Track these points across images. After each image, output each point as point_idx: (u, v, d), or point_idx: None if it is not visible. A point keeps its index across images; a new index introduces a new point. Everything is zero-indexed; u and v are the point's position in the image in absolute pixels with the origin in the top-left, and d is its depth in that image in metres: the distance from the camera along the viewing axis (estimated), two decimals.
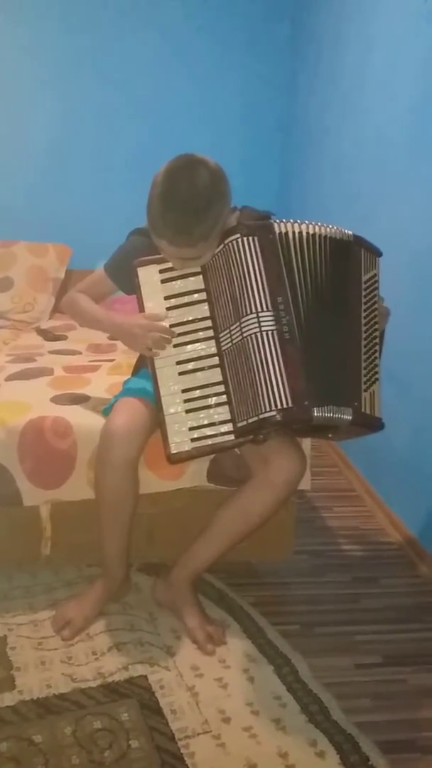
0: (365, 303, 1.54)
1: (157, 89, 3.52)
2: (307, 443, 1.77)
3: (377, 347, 1.58)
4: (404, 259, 2.24)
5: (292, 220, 1.48)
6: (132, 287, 1.57)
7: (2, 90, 3.37)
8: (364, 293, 1.54)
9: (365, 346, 1.53)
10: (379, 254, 1.61)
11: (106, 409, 1.73)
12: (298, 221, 1.48)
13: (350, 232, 1.54)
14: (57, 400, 1.89)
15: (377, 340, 1.58)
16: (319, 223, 1.49)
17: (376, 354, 1.57)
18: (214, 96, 3.59)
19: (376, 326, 1.57)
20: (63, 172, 3.51)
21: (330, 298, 1.49)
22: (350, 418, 1.46)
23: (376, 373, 1.56)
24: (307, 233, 1.47)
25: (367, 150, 2.63)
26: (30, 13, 3.32)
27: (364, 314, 1.53)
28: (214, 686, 1.55)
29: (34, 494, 1.76)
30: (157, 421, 1.55)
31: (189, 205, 1.40)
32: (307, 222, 1.48)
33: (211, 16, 3.48)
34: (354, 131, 2.77)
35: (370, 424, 1.53)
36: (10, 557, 1.87)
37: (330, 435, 1.63)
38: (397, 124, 2.37)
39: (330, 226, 1.50)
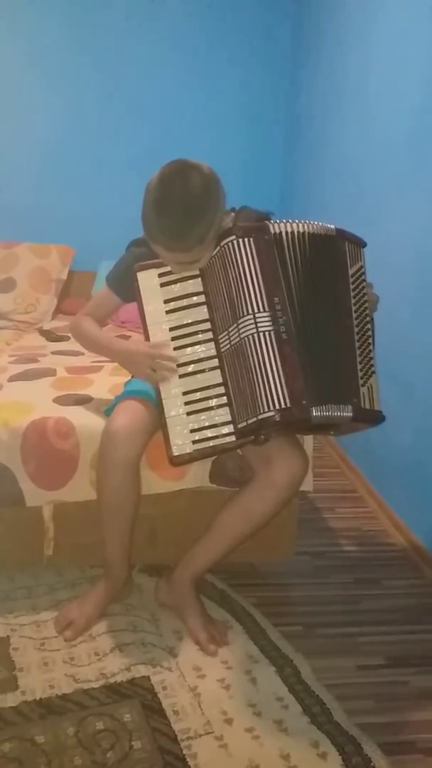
0: (354, 297, 1.54)
1: (160, 91, 3.52)
2: (309, 444, 1.77)
3: (371, 340, 1.58)
4: (408, 260, 2.25)
5: (285, 220, 1.47)
6: (133, 296, 1.58)
7: (4, 91, 3.38)
8: (352, 286, 1.54)
9: (359, 341, 1.53)
10: (364, 245, 1.60)
11: (109, 409, 1.73)
12: (290, 220, 1.47)
13: (332, 227, 1.53)
14: (60, 400, 1.89)
15: (370, 333, 1.57)
16: (305, 221, 1.48)
17: (371, 347, 1.57)
18: (217, 96, 3.59)
19: (368, 318, 1.57)
20: (65, 173, 3.51)
21: (321, 296, 1.49)
22: (351, 415, 1.47)
23: (372, 366, 1.56)
24: (299, 232, 1.47)
25: (370, 151, 2.63)
26: (32, 15, 3.33)
27: (354, 308, 1.53)
28: (217, 687, 1.55)
29: (36, 495, 1.76)
30: (158, 421, 1.55)
31: (183, 210, 1.40)
32: (297, 221, 1.48)
33: (213, 17, 3.49)
34: (357, 132, 2.77)
35: (371, 418, 1.54)
36: (13, 558, 1.87)
37: (332, 432, 1.63)
38: (400, 125, 2.36)
39: (314, 223, 1.49)
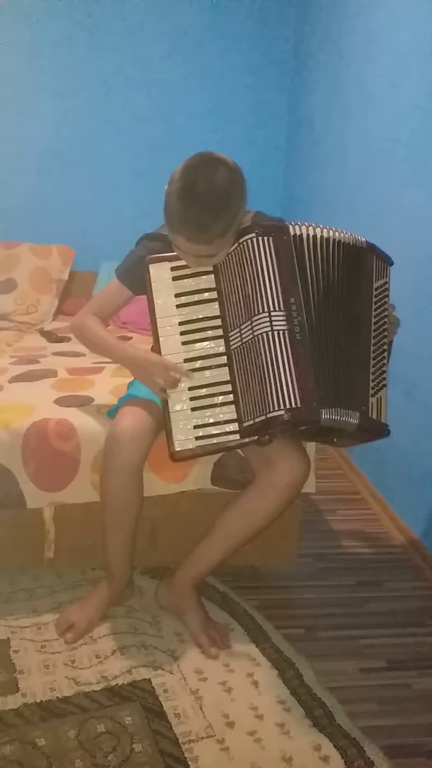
0: (375, 310, 1.54)
1: (161, 92, 3.52)
2: (311, 446, 1.76)
3: (386, 354, 1.58)
4: (410, 260, 2.24)
5: (306, 223, 1.48)
6: (144, 288, 1.57)
7: (5, 92, 3.37)
8: (374, 300, 1.54)
9: (374, 352, 1.53)
10: (391, 263, 1.61)
11: (111, 411, 1.72)
12: (313, 224, 1.48)
13: (363, 239, 1.54)
14: (61, 402, 1.88)
15: (386, 347, 1.58)
16: (334, 228, 1.50)
17: (385, 361, 1.57)
18: (218, 98, 3.59)
19: (385, 333, 1.57)
20: (66, 173, 3.51)
21: (341, 303, 1.49)
22: (357, 422, 1.46)
23: (384, 379, 1.56)
24: (322, 237, 1.47)
25: (372, 151, 2.63)
26: (32, 16, 3.32)
27: (374, 320, 1.54)
28: (218, 690, 1.55)
29: (37, 496, 1.76)
30: (162, 424, 1.54)
31: (207, 202, 1.39)
32: (321, 226, 1.48)
33: (215, 17, 3.49)
34: (359, 132, 2.77)
35: (377, 429, 1.53)
36: (14, 560, 1.87)
37: (335, 439, 1.62)
38: (402, 125, 2.36)
39: (344, 232, 1.51)
